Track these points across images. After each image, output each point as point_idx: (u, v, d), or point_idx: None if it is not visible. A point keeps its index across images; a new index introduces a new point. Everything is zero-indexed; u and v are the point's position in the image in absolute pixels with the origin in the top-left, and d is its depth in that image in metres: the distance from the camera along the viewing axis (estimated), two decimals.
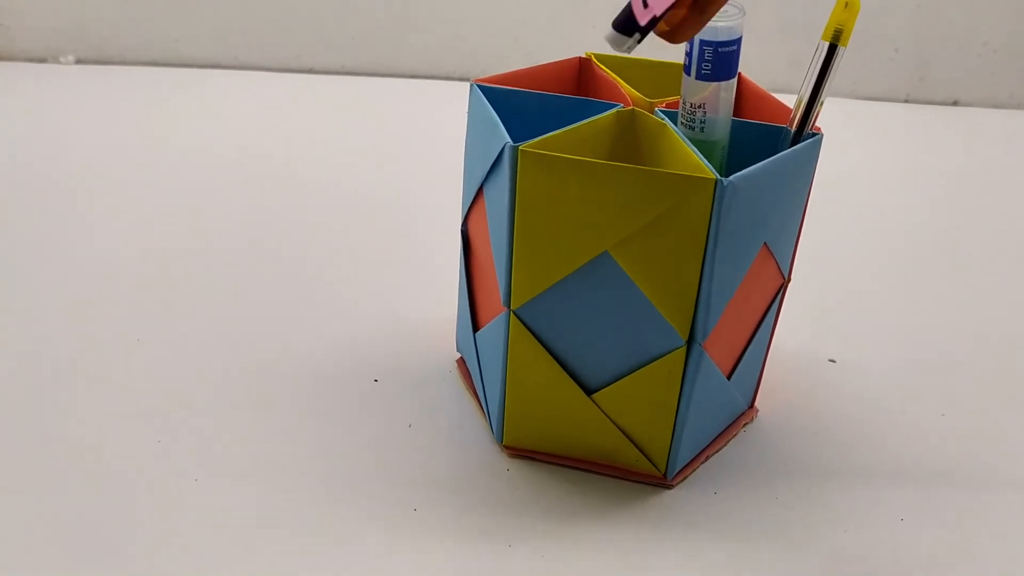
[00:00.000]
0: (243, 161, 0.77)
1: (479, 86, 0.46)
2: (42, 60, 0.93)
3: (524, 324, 0.43)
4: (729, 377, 0.46)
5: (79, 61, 0.93)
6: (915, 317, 0.61)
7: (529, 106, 0.46)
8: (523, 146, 0.40)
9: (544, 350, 0.44)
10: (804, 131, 0.43)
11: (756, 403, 0.51)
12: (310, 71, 0.95)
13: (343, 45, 0.94)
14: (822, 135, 0.43)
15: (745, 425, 0.50)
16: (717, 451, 0.48)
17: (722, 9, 0.41)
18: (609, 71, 0.49)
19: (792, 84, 1.00)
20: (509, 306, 0.43)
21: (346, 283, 0.60)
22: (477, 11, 0.93)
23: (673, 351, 0.42)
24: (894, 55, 0.97)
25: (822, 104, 0.42)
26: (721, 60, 0.42)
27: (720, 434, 0.49)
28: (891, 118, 0.97)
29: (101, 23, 0.92)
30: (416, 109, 0.90)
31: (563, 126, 0.42)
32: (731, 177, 0.38)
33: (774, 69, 0.97)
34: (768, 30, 0.95)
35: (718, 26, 0.41)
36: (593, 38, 0.98)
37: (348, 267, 0.62)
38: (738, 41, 0.42)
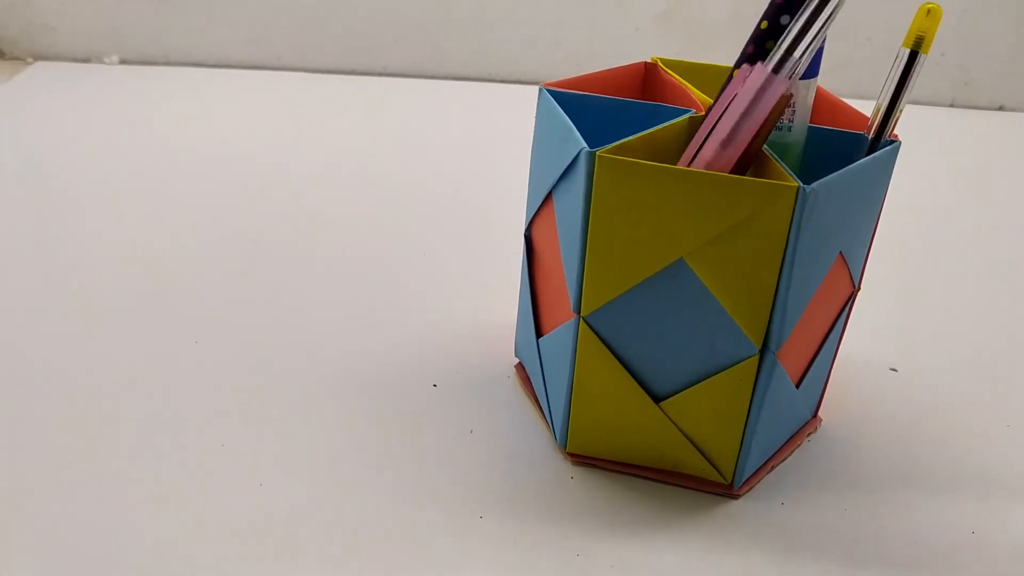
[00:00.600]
0: (290, 161, 0.77)
1: (548, 90, 0.46)
2: (86, 60, 0.94)
3: (594, 331, 0.43)
4: (798, 386, 0.46)
5: (123, 61, 0.94)
6: (975, 325, 0.61)
7: (598, 111, 0.46)
8: (601, 151, 0.39)
9: (613, 357, 0.43)
10: (882, 138, 0.42)
11: (819, 413, 0.51)
12: (352, 72, 0.95)
13: (385, 47, 0.94)
14: (900, 143, 0.43)
15: (809, 435, 0.50)
16: (782, 461, 0.48)
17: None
18: (677, 76, 0.48)
19: (835, 86, 0.99)
20: (579, 312, 0.43)
21: (401, 287, 0.60)
22: (518, 13, 0.93)
23: (746, 359, 0.42)
24: (939, 59, 0.96)
25: (901, 111, 0.42)
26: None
27: (785, 443, 0.48)
28: (936, 123, 0.96)
29: (145, 24, 0.93)
30: (461, 111, 0.90)
31: (632, 132, 0.42)
32: (813, 184, 0.38)
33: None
34: None
35: None
36: (635, 40, 0.97)
37: (403, 271, 0.62)
38: (823, 40, 0.41)
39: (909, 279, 0.66)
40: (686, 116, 0.44)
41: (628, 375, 0.44)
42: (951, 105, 0.98)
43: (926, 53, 0.41)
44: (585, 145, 0.40)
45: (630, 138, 0.41)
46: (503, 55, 0.94)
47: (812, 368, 0.46)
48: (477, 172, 0.77)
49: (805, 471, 0.47)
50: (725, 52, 0.95)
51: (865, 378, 0.54)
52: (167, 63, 0.94)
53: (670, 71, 0.49)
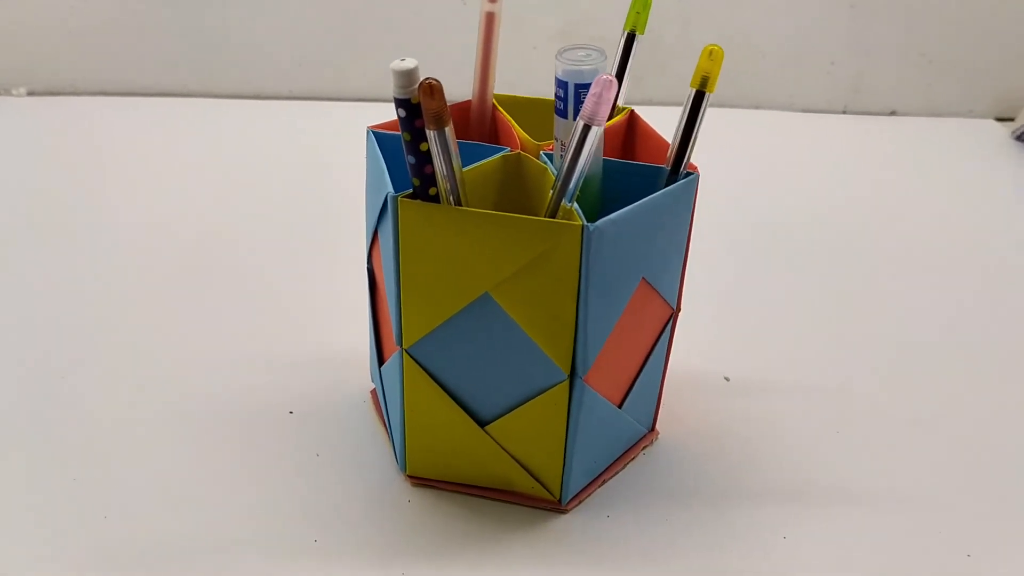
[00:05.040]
0: (184, 189, 0.79)
1: (374, 132, 0.48)
2: None
3: (417, 362, 0.45)
4: (621, 405, 0.48)
5: (31, 93, 0.95)
6: (828, 331, 0.63)
7: None
8: (402, 195, 0.42)
9: (437, 386, 0.46)
10: (680, 171, 0.45)
11: (657, 426, 0.53)
12: (257, 96, 0.97)
13: (289, 71, 0.96)
14: (697, 175, 0.45)
15: (645, 448, 0.52)
16: (614, 475, 0.50)
17: (586, 52, 0.43)
18: (505, 112, 0.51)
19: (730, 97, 1.02)
20: (401, 345, 0.45)
21: (274, 310, 0.62)
22: (419, 35, 0.95)
23: (557, 385, 0.44)
24: (830, 68, 0.99)
25: (694, 145, 0.44)
26: None
27: (619, 458, 0.51)
28: (829, 129, 0.99)
29: (52, 56, 0.94)
30: (357, 132, 0.92)
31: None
32: (598, 222, 0.40)
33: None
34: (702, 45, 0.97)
35: (585, 70, 0.43)
36: (533, 58, 1.00)
37: (272, 295, 0.64)
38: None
39: (776, 286, 0.69)
40: (499, 155, 0.46)
41: (452, 402, 0.46)
42: (843, 112, 1.01)
43: (711, 92, 0.43)
44: (391, 189, 0.42)
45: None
46: None
47: (636, 387, 0.49)
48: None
49: (636, 484, 0.50)
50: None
51: (707, 389, 0.57)
52: (74, 93, 0.96)
53: (500, 107, 0.51)
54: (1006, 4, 0.98)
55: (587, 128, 0.39)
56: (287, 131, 0.91)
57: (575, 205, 0.42)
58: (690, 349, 0.56)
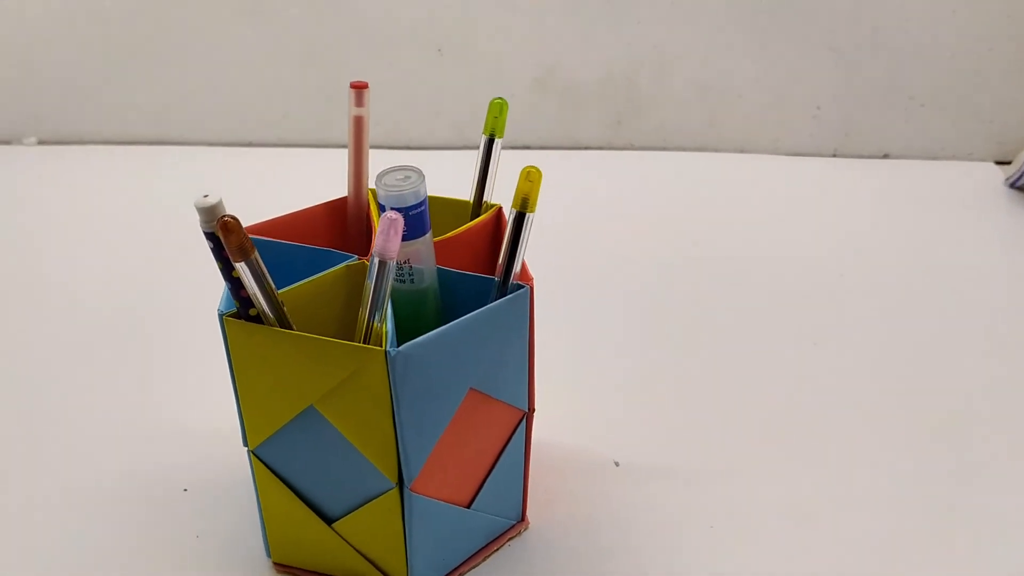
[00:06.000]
0: (110, 244, 0.83)
1: None
2: (7, 142, 1.02)
3: (263, 462, 0.48)
4: (470, 503, 0.50)
5: (41, 142, 1.02)
6: (756, 410, 0.63)
7: (283, 256, 0.50)
8: (227, 314, 0.44)
9: (283, 485, 0.48)
10: (508, 284, 0.46)
11: (529, 515, 0.54)
12: (249, 144, 1.01)
13: (277, 120, 0.99)
14: (528, 287, 0.46)
15: (510, 540, 0.53)
16: (472, 568, 0.51)
17: (404, 174, 0.45)
18: (375, 212, 0.52)
19: (712, 143, 1.01)
20: (247, 445, 0.47)
21: (175, 381, 0.66)
22: (399, 83, 0.97)
23: (387, 492, 0.46)
24: (816, 112, 0.97)
25: (520, 260, 0.45)
26: (415, 221, 0.45)
27: (481, 550, 0.52)
28: (817, 173, 0.97)
29: (60, 108, 1.00)
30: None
31: (308, 276, 0.47)
32: (401, 347, 0.42)
33: (693, 129, 0.98)
34: (685, 93, 0.96)
35: (406, 193, 0.44)
36: (511, 107, 1.01)
37: (185, 365, 0.67)
38: (425, 201, 0.45)
39: (713, 360, 0.68)
40: (343, 265, 0.48)
41: (298, 501, 0.48)
42: (834, 155, 0.99)
43: (532, 212, 0.44)
44: (221, 306, 0.45)
45: (283, 289, 0.45)
46: (386, 123, 0.99)
47: (488, 485, 0.50)
48: None
49: None
50: (598, 113, 0.97)
51: (589, 475, 0.57)
52: (81, 142, 1.01)
53: (373, 204, 0.53)
54: (997, 46, 0.94)
55: (383, 264, 0.41)
56: (278, 177, 0.95)
57: (387, 325, 0.43)
58: (587, 432, 0.57)
